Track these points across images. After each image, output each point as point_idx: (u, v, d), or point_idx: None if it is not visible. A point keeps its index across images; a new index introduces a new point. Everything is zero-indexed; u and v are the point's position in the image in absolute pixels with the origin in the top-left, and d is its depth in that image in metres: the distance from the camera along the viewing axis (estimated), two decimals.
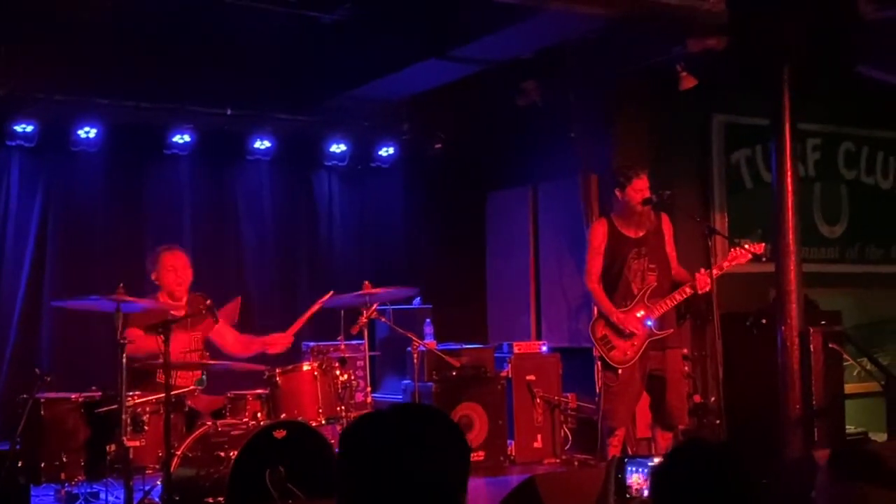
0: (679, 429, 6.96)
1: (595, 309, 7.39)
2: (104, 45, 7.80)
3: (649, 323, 6.61)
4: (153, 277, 6.54)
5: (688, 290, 6.66)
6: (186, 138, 8.53)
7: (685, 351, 7.63)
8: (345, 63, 8.39)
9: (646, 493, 2.42)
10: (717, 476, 2.23)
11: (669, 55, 7.83)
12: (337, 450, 2.00)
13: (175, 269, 6.50)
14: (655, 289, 6.71)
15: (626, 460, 2.69)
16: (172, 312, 6.09)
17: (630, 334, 6.61)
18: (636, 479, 2.45)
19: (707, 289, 6.64)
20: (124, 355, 5.41)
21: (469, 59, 8.01)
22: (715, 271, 6.70)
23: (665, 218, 6.90)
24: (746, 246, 6.83)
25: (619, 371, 6.64)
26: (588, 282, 6.82)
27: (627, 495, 2.47)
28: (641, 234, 6.79)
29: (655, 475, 2.33)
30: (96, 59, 7.83)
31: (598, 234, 6.82)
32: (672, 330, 6.80)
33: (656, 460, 2.38)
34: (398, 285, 7.37)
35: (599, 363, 6.85)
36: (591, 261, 6.83)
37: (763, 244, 7.03)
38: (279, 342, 6.68)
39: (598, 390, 8.09)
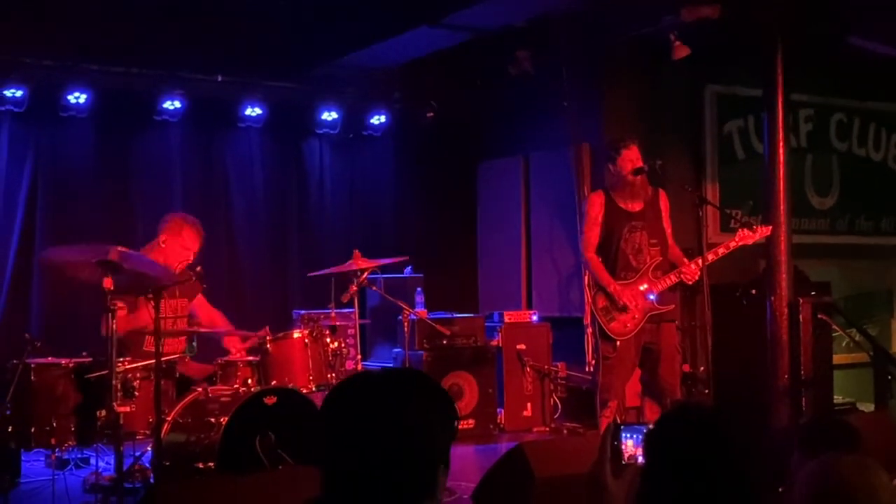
0: (669, 400, 6.95)
1: (586, 279, 7.38)
2: (94, 10, 7.74)
3: (652, 297, 6.58)
4: (161, 239, 6.47)
5: (673, 277, 6.62)
6: (177, 105, 8.48)
7: (676, 322, 7.64)
8: (336, 30, 8.34)
9: (640, 459, 2.43)
10: (708, 439, 2.25)
11: (663, 24, 7.79)
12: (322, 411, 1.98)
13: (187, 249, 6.45)
14: (661, 263, 6.67)
15: (621, 427, 2.71)
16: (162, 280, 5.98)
17: (623, 307, 6.56)
18: (630, 445, 2.47)
19: (695, 279, 6.60)
20: (113, 321, 5.38)
21: (461, 27, 7.98)
22: (722, 250, 6.66)
23: (662, 194, 6.84)
24: (755, 228, 6.79)
25: (618, 343, 6.59)
26: (585, 251, 6.76)
27: (623, 461, 2.49)
28: (638, 208, 6.71)
29: (648, 438, 2.34)
30: (86, 24, 7.78)
31: (596, 204, 6.74)
32: (673, 306, 6.77)
33: (651, 427, 2.39)
34: (388, 255, 7.36)
35: (596, 334, 6.78)
36: (588, 231, 6.76)
37: (770, 227, 7.00)
38: (235, 344, 6.57)
39: (589, 360, 8.12)
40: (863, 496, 2.31)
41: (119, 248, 5.40)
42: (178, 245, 6.44)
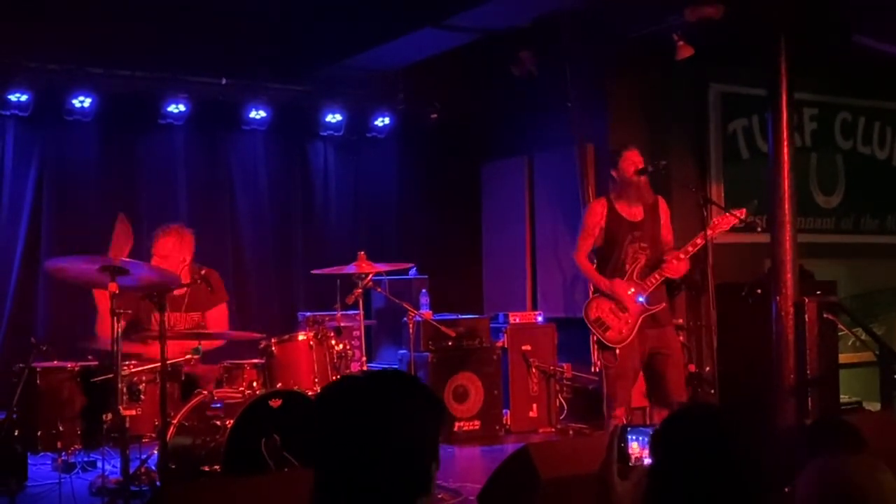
0: (676, 402, 6.89)
1: (589, 286, 7.33)
2: (98, 14, 7.75)
3: (641, 299, 6.54)
4: (153, 253, 6.51)
5: (657, 276, 6.54)
6: (181, 108, 8.49)
7: (680, 321, 7.61)
8: (340, 32, 8.35)
9: (646, 461, 2.44)
10: (713, 439, 2.24)
11: (666, 24, 7.79)
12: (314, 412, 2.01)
13: (164, 258, 6.43)
14: (643, 266, 6.61)
15: (627, 429, 2.72)
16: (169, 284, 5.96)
17: (620, 304, 6.50)
18: (636, 446, 2.48)
19: (681, 275, 6.57)
20: (119, 325, 5.38)
21: (465, 28, 7.98)
22: (699, 241, 6.53)
23: (662, 202, 6.79)
24: (730, 212, 6.70)
25: (617, 351, 6.54)
26: (576, 257, 6.72)
27: (629, 463, 2.50)
28: (640, 216, 6.66)
29: (655, 438, 2.34)
30: (90, 28, 7.79)
31: (596, 213, 6.68)
32: (664, 304, 6.68)
33: (657, 428, 2.39)
34: (393, 257, 7.37)
35: (596, 345, 6.74)
36: (582, 239, 6.71)
37: (745, 209, 6.90)
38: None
39: (594, 360, 8.10)
40: (871, 497, 2.31)
41: (121, 259, 5.42)
42: (169, 254, 6.42)
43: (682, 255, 6.49)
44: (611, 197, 6.69)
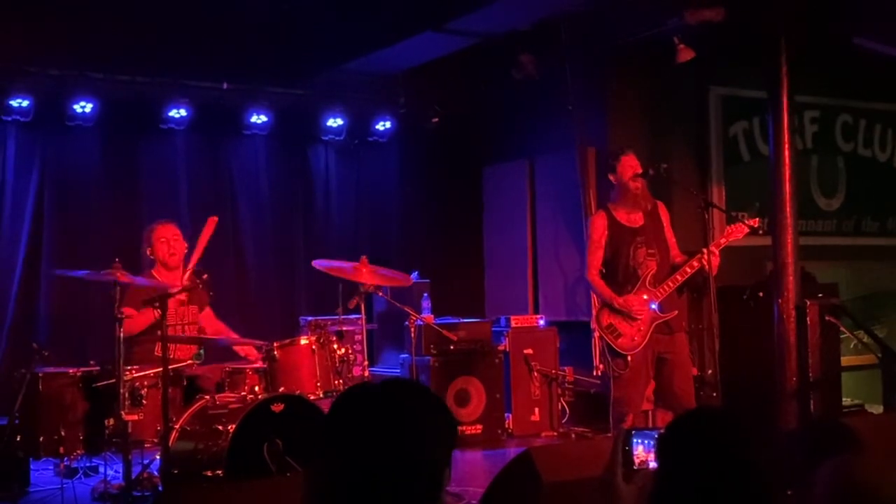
0: (683, 406, 6.85)
1: (593, 294, 7.29)
2: (99, 19, 7.76)
3: (654, 306, 6.51)
4: (148, 253, 6.58)
5: (695, 263, 6.49)
6: (182, 112, 8.49)
7: (683, 324, 7.56)
8: (341, 36, 8.36)
9: (651, 464, 2.42)
10: (723, 442, 2.23)
11: (667, 27, 7.79)
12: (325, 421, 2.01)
13: (167, 241, 6.57)
14: (656, 273, 6.58)
15: (632, 433, 2.71)
16: (169, 290, 6.05)
17: (636, 318, 6.46)
18: (641, 450, 2.48)
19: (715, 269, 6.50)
20: (121, 330, 5.41)
21: (465, 32, 7.99)
22: (713, 248, 6.53)
23: (661, 206, 6.77)
24: (742, 221, 6.70)
25: (629, 358, 6.51)
26: (587, 274, 6.66)
27: (633, 467, 2.49)
28: (640, 222, 6.63)
29: (662, 441, 2.32)
30: (91, 33, 7.80)
31: (598, 227, 6.64)
32: (676, 312, 6.65)
33: (664, 431, 2.38)
34: (395, 261, 7.38)
35: (606, 350, 6.68)
36: (591, 254, 6.66)
37: (758, 218, 6.93)
38: (251, 353, 6.60)
39: (596, 364, 8.11)
40: (885, 499, 2.30)
41: (118, 274, 5.50)
42: (159, 243, 6.56)
43: (714, 249, 6.42)
44: (609, 207, 6.67)
